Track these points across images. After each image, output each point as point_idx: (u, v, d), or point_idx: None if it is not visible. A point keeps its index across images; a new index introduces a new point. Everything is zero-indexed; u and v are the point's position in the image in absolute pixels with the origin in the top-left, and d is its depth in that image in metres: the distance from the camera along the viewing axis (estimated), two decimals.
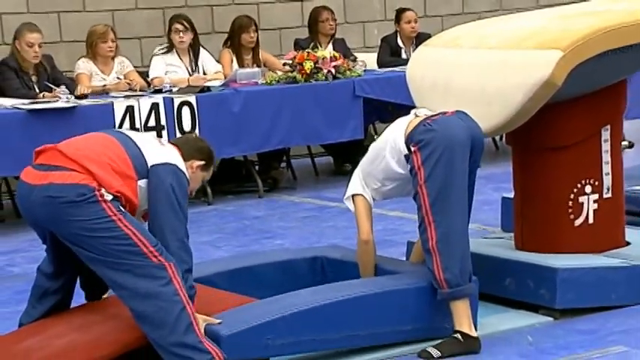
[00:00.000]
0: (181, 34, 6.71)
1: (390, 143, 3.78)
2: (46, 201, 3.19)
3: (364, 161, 3.89)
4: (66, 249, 3.31)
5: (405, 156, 3.70)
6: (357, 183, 3.87)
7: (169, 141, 3.49)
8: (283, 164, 7.21)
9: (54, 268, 3.42)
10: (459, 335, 3.59)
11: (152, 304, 3.15)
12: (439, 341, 3.60)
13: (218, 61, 6.98)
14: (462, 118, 3.74)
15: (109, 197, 3.19)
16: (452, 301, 3.61)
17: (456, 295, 3.60)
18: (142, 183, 3.28)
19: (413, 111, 3.90)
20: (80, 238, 3.19)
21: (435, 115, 3.75)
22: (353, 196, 3.85)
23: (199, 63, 6.88)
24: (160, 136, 6.06)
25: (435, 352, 3.57)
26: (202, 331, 3.24)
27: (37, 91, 6.17)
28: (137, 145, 3.31)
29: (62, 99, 5.98)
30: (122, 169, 3.24)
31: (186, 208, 3.31)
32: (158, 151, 3.33)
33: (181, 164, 3.33)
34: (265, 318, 3.36)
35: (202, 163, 3.45)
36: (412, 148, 3.65)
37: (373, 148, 3.88)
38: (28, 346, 3.28)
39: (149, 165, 3.28)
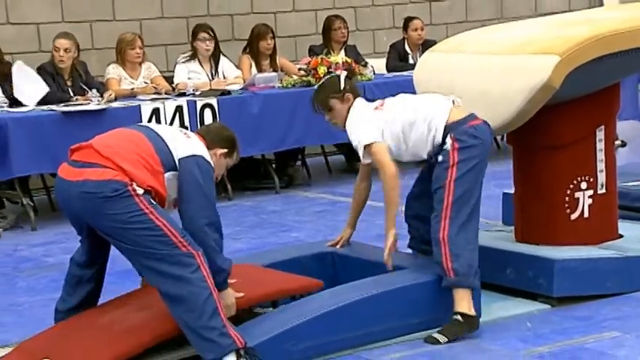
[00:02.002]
0: (207, 42, 6.74)
1: (428, 120, 3.67)
2: (83, 196, 3.21)
3: (389, 119, 3.69)
4: (100, 240, 3.33)
5: (439, 144, 3.65)
6: (373, 132, 3.66)
7: (195, 131, 3.49)
8: (298, 162, 7.21)
9: (87, 258, 3.44)
10: (459, 316, 3.58)
11: (183, 289, 3.17)
12: (443, 327, 3.60)
13: (237, 67, 6.99)
14: (489, 130, 3.72)
15: (141, 191, 3.21)
16: (456, 288, 3.60)
17: (461, 284, 3.59)
18: (169, 175, 3.29)
19: (451, 98, 3.78)
20: (115, 230, 3.20)
21: (472, 119, 3.68)
22: (371, 144, 3.65)
23: (219, 69, 6.89)
24: None
25: (442, 338, 3.57)
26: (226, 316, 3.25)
27: (71, 94, 6.20)
28: (164, 140, 3.32)
29: (94, 102, 6.02)
30: (150, 164, 3.26)
31: (214, 192, 3.31)
32: (184, 143, 3.33)
33: (206, 154, 3.34)
34: (286, 326, 3.38)
35: (225, 151, 3.45)
36: (450, 141, 3.62)
37: (403, 110, 3.70)
38: (112, 319, 3.36)
39: (177, 158, 3.29)
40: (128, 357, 3.20)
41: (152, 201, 3.22)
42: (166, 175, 3.28)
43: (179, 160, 3.28)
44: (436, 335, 3.58)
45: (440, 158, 3.65)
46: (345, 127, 3.83)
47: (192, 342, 3.23)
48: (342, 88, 3.81)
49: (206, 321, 3.17)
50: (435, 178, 3.66)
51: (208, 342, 3.18)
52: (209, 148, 3.38)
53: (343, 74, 3.93)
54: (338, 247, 4.07)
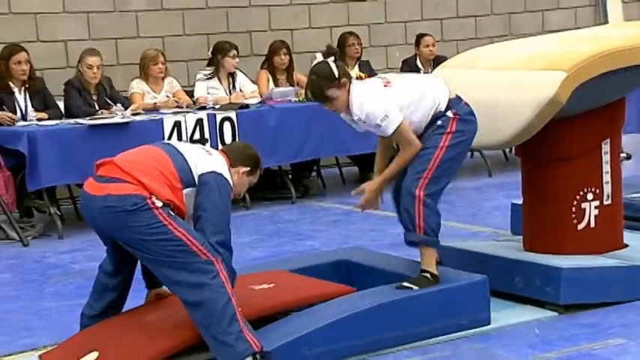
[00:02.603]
0: (237, 59, 6.77)
1: (433, 94, 3.70)
2: (105, 210, 3.24)
3: (400, 96, 3.66)
4: (125, 251, 3.35)
5: (439, 112, 3.69)
6: (396, 110, 3.62)
7: (220, 149, 3.50)
8: (314, 173, 7.23)
9: (113, 267, 3.46)
10: (428, 274, 3.72)
11: (202, 295, 3.18)
12: (413, 277, 3.70)
13: (253, 82, 7.02)
14: None
15: (160, 204, 3.22)
16: (423, 245, 3.71)
17: (429, 243, 3.70)
18: (188, 191, 3.30)
19: (447, 87, 3.78)
20: (136, 241, 3.23)
21: (463, 99, 3.76)
22: (402, 122, 3.62)
23: (237, 84, 6.93)
24: None
25: (415, 287, 3.67)
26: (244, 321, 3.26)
27: (97, 108, 6.25)
28: (184, 158, 3.33)
29: (118, 115, 6.06)
30: (169, 179, 3.28)
31: (230, 210, 3.32)
32: (204, 161, 3.34)
33: (226, 172, 3.34)
34: (302, 331, 3.38)
35: (248, 169, 3.46)
36: (451, 113, 3.69)
37: (411, 87, 3.70)
38: (153, 318, 3.42)
39: (196, 175, 3.30)
40: (171, 353, 3.24)
41: (171, 213, 3.24)
42: (185, 191, 3.29)
43: (198, 176, 3.29)
44: (408, 285, 3.67)
45: (439, 123, 3.69)
46: (347, 108, 3.67)
47: (210, 346, 3.23)
48: (336, 76, 3.62)
49: (225, 326, 3.17)
50: (428, 138, 3.68)
51: (226, 346, 3.18)
52: (232, 165, 3.39)
53: (331, 59, 3.70)
54: (366, 190, 3.82)
